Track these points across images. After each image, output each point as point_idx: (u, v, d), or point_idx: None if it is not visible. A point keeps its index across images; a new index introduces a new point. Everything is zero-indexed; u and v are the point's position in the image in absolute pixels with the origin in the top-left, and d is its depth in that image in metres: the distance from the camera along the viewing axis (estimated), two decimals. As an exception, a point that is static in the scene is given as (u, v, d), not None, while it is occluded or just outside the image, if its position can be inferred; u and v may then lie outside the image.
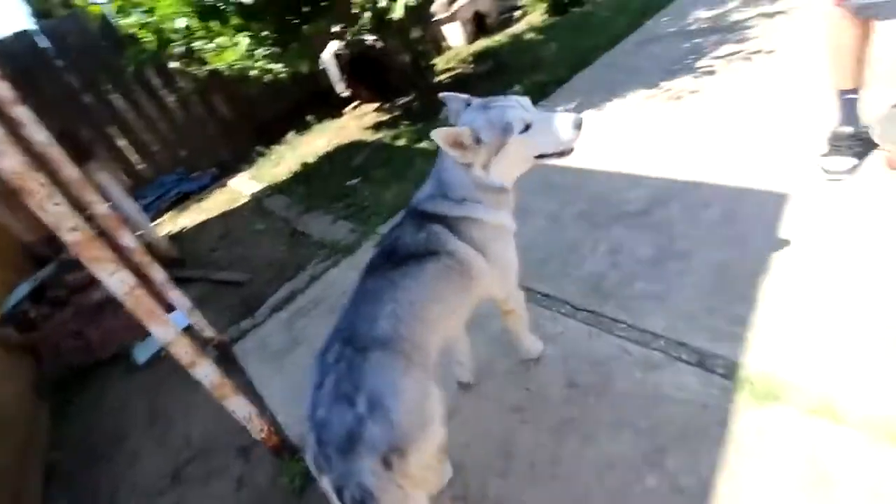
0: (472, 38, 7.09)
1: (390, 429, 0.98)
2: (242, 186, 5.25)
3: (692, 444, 1.31)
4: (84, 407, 2.87)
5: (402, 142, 4.30)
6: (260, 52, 3.13)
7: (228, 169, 6.00)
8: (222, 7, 2.71)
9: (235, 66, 3.92)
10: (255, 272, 3.39)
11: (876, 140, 1.86)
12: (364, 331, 1.14)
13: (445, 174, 1.38)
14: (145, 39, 3.37)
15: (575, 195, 2.50)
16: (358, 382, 1.02)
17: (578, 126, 1.30)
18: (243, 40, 2.94)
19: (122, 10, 3.20)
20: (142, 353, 3.03)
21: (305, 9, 3.11)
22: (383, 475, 0.95)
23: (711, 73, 3.26)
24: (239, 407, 1.62)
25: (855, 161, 1.92)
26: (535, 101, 1.44)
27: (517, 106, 1.31)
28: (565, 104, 3.72)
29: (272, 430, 1.74)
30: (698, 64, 3.46)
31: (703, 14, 4.35)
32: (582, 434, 1.45)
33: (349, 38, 4.28)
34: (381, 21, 4.13)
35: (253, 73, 3.52)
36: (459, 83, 5.25)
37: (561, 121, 1.30)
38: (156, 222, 5.18)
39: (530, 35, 6.06)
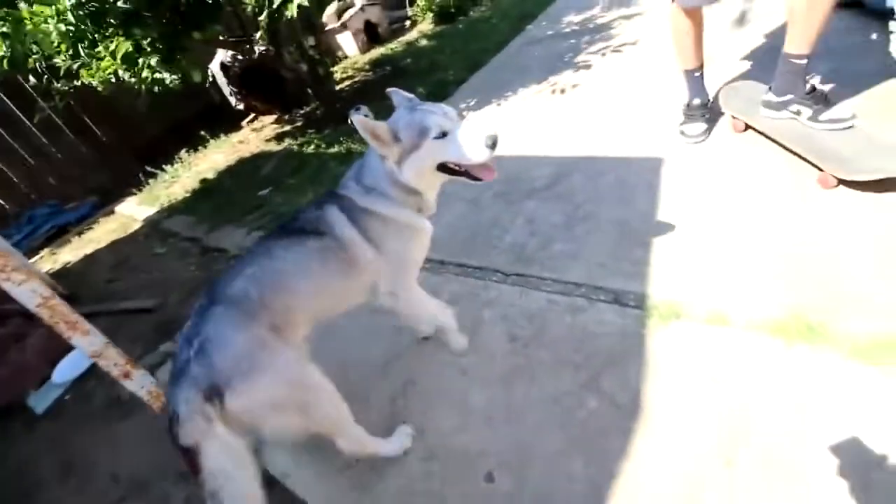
0: (366, 47, 7.19)
1: (209, 370, 1.13)
2: (133, 211, 4.78)
3: (620, 366, 1.52)
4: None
5: (311, 149, 4.24)
6: (146, 60, 2.89)
7: (112, 195, 5.42)
8: (103, 10, 2.45)
9: (109, 80, 3.57)
10: (164, 296, 3.14)
11: (723, 108, 2.29)
12: (221, 288, 1.29)
13: (366, 159, 1.47)
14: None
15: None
16: (199, 329, 1.19)
17: (492, 144, 1.30)
18: (123, 45, 2.70)
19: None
20: (40, 402, 2.65)
21: (189, 12, 2.93)
22: (193, 406, 1.10)
23: (588, 66, 3.70)
24: (184, 417, 1.52)
25: (705, 125, 2.33)
26: (437, 101, 1.51)
27: (440, 113, 1.35)
28: (466, 102, 3.96)
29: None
30: (576, 59, 3.89)
31: (574, 18, 4.90)
32: (527, 379, 1.61)
33: (242, 47, 4.14)
34: (273, 31, 4.06)
35: (136, 83, 3.23)
36: (361, 89, 5.31)
37: (475, 136, 1.31)
38: (31, 261, 4.53)
39: (423, 42, 6.30)
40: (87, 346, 1.26)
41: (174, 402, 1.11)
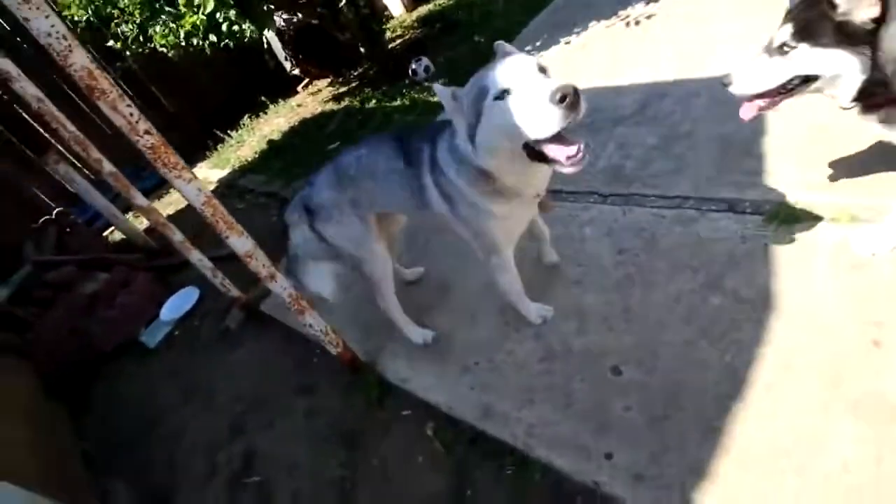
0: (412, 5, 7.09)
1: (308, 201, 1.67)
2: (206, 174, 5.02)
3: (742, 266, 1.51)
4: (105, 401, 2.73)
5: (372, 104, 4.29)
6: (225, 14, 2.99)
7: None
8: None
9: (180, 45, 3.70)
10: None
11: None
12: (338, 156, 1.66)
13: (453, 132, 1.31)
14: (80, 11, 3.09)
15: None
16: (315, 176, 1.69)
17: (563, 99, 0.95)
18: (209, 1, 2.81)
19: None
20: (151, 338, 2.90)
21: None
22: (296, 210, 1.72)
23: (660, -2, 3.52)
24: (315, 321, 1.64)
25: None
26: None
27: (510, 66, 1.07)
28: (530, 45, 3.87)
29: (346, 344, 1.77)
30: (646, -8, 3.71)
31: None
32: (642, 285, 1.62)
33: (300, 8, 4.18)
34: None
35: (212, 42, 3.34)
36: (415, 46, 5.28)
37: (538, 91, 0.99)
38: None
39: (473, -5, 6.15)
40: (241, 246, 1.37)
41: (291, 205, 1.75)
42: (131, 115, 1.18)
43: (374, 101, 4.34)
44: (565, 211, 2.06)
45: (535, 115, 1.00)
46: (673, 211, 1.80)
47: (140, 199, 2.38)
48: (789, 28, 1.17)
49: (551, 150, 1.07)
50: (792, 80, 1.22)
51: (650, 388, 1.36)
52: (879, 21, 1.02)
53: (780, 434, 1.15)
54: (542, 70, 1.07)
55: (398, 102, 4.05)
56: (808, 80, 1.22)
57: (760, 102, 1.32)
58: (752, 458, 1.13)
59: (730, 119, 2.06)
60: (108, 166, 2.34)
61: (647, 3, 3.53)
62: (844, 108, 1.23)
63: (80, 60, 1.09)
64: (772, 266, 1.47)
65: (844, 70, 1.13)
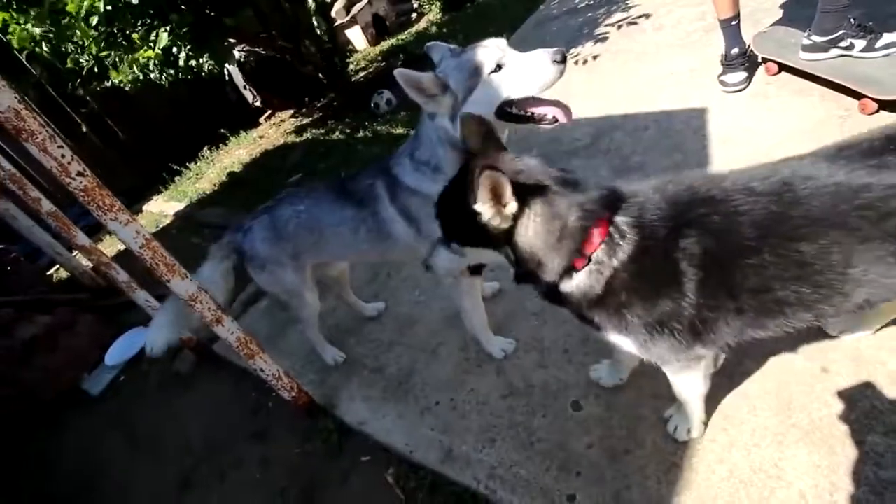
0: (375, 40, 7.24)
1: (242, 245, 1.66)
2: (161, 208, 4.85)
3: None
4: (44, 455, 2.49)
5: (336, 135, 4.28)
6: (182, 46, 2.94)
7: (137, 196, 5.49)
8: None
9: (137, 79, 3.63)
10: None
11: (756, 52, 2.31)
12: (274, 207, 1.64)
13: (419, 129, 1.34)
14: (41, 53, 3.00)
15: (529, 143, 2.72)
16: (250, 223, 1.67)
17: (561, 59, 1.13)
18: (163, 35, 2.76)
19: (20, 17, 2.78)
20: (95, 385, 2.71)
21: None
22: (224, 248, 1.73)
23: (606, 38, 3.71)
24: (266, 365, 1.56)
25: (745, 74, 2.35)
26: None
27: (492, 47, 1.20)
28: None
29: (301, 388, 1.69)
30: (594, 32, 3.91)
31: (587, -6, 4.91)
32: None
33: (261, 42, 4.18)
34: (291, 24, 4.08)
35: (170, 76, 3.28)
36: (376, 79, 5.35)
37: (538, 55, 1.16)
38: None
39: (433, 30, 6.34)
40: (184, 289, 1.29)
41: (225, 240, 1.73)
42: (63, 156, 1.11)
43: (337, 132, 4.33)
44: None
45: (535, 76, 1.16)
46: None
47: (81, 239, 2.25)
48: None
49: (541, 109, 1.22)
50: None
51: (610, 423, 1.34)
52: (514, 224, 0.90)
53: (738, 466, 1.14)
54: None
55: (361, 134, 4.06)
56: None
57: None
58: (713, 493, 1.12)
59: (677, 151, 2.16)
60: (46, 205, 2.21)
61: (595, 43, 3.71)
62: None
63: (6, 101, 1.03)
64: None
65: (497, 260, 1.00)
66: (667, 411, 1.26)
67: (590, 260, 0.89)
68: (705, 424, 1.21)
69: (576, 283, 0.91)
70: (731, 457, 1.16)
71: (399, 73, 1.17)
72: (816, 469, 1.08)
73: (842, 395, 1.16)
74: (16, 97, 1.04)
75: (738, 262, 0.84)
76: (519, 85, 1.18)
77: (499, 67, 1.18)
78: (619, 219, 0.88)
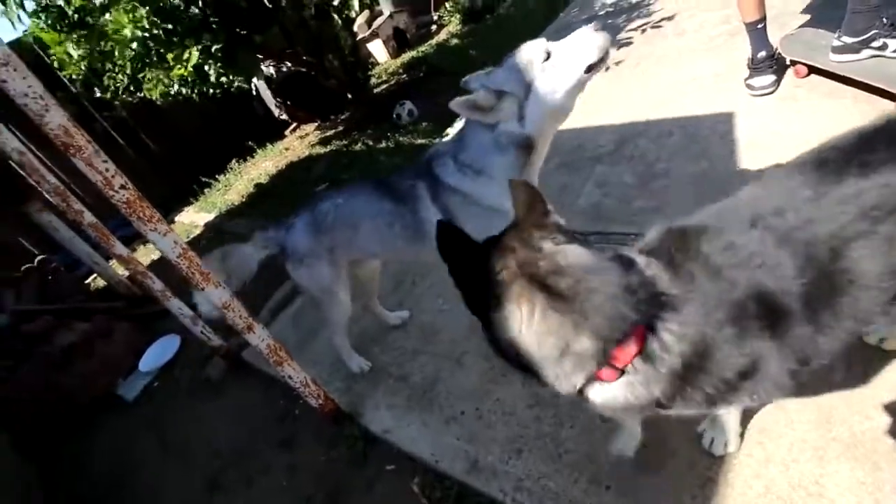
0: (396, 52, 7.35)
1: (285, 242, 1.71)
2: (192, 219, 5.00)
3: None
4: (80, 457, 2.59)
5: (359, 147, 4.36)
6: (213, 65, 3.07)
7: (168, 208, 5.68)
8: (176, 16, 2.63)
9: (169, 94, 3.78)
10: (243, 285, 3.27)
11: (784, 55, 2.26)
12: (315, 202, 1.68)
13: (465, 136, 1.39)
14: (74, 68, 3.16)
15: (551, 152, 2.71)
16: (294, 220, 1.71)
17: (600, 29, 1.25)
18: (195, 52, 2.89)
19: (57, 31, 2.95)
20: (129, 390, 2.80)
21: (248, 17, 3.10)
22: (269, 240, 1.79)
23: (630, 43, 3.69)
24: (294, 372, 1.59)
25: (773, 77, 2.30)
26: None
27: (530, 44, 1.29)
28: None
29: (328, 395, 1.71)
30: (616, 38, 3.88)
31: (607, 0, 4.90)
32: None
33: (287, 57, 4.31)
34: (315, 39, 4.20)
35: (201, 90, 3.42)
36: (400, 89, 5.43)
37: (578, 33, 1.25)
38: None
39: (454, 41, 6.41)
40: (218, 297, 1.33)
41: (270, 233, 1.77)
42: (107, 170, 1.17)
43: (360, 144, 4.41)
44: (548, 250, 2.06)
45: (586, 47, 1.23)
46: (654, 248, 1.80)
47: (119, 248, 2.34)
48: None
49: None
50: None
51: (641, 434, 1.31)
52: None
53: (776, 482, 1.10)
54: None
55: (384, 145, 4.12)
56: None
57: None
58: (749, 509, 1.09)
59: (703, 157, 2.13)
60: (88, 217, 2.31)
61: (619, 48, 3.69)
62: None
63: (56, 119, 1.09)
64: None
65: None
66: (701, 425, 1.23)
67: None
68: (741, 437, 1.18)
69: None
70: (768, 472, 1.12)
71: (455, 103, 1.26)
72: (861, 486, 1.03)
73: (886, 407, 1.12)
74: (65, 115, 1.10)
75: None
76: (578, 59, 1.24)
77: (548, 55, 1.25)
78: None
